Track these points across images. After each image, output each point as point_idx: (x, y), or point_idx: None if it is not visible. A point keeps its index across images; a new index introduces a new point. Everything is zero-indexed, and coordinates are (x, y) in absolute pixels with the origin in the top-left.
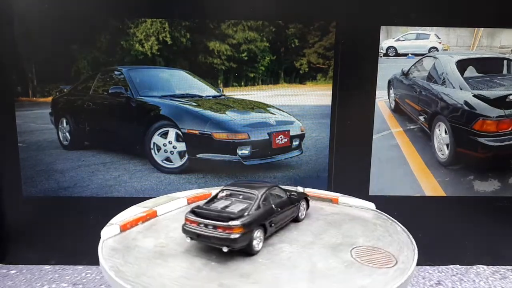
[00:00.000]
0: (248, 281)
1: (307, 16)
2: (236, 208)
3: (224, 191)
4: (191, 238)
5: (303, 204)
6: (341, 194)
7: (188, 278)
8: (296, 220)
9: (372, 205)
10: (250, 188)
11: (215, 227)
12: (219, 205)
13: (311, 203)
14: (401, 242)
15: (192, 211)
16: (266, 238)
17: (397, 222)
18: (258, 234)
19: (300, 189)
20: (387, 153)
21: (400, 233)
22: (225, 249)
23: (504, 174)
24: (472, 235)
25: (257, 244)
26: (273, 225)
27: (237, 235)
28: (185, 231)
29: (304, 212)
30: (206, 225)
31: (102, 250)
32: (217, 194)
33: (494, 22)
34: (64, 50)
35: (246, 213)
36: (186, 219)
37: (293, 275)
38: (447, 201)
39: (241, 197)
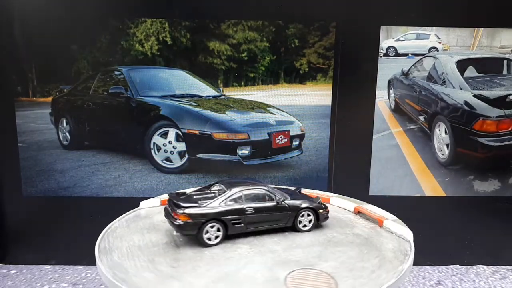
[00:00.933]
0: (173, 263)
1: (307, 16)
2: (201, 200)
3: (216, 185)
4: (165, 216)
5: (306, 214)
6: (391, 217)
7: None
8: (297, 229)
9: (410, 235)
10: (229, 185)
11: (172, 212)
12: (196, 195)
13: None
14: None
15: (174, 195)
16: (243, 235)
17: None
18: (212, 228)
19: (329, 196)
20: (387, 153)
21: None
22: (174, 233)
23: (504, 174)
24: (472, 235)
25: (210, 236)
26: (241, 224)
27: (181, 222)
28: (164, 210)
29: (310, 224)
30: (170, 209)
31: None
32: (209, 186)
33: (494, 22)
34: (64, 50)
35: (198, 205)
36: (167, 201)
37: (202, 274)
38: (447, 201)
39: (218, 192)
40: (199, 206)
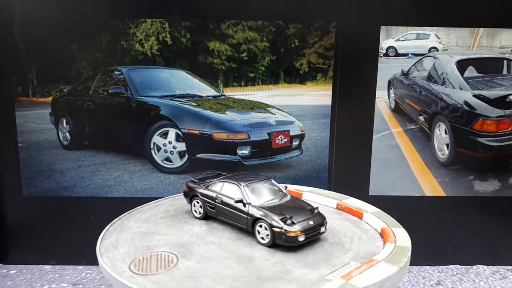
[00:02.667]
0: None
1: (307, 17)
2: (208, 180)
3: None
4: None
5: (264, 227)
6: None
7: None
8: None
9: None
10: (229, 176)
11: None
12: (215, 178)
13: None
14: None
15: (208, 175)
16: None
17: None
18: (195, 202)
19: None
20: (387, 153)
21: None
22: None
23: (504, 174)
24: (472, 235)
25: (193, 208)
26: (214, 210)
27: (183, 191)
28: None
29: (267, 239)
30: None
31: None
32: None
33: (494, 22)
34: (64, 50)
35: (198, 182)
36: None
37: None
38: (447, 201)
39: (218, 179)
40: (197, 184)
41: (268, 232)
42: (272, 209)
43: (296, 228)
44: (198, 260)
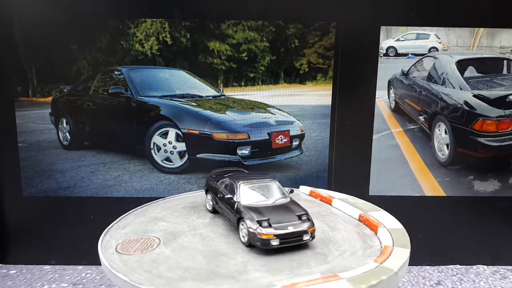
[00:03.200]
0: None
1: (307, 17)
2: (223, 176)
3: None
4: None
5: (247, 226)
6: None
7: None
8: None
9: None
10: (232, 173)
11: None
12: (227, 173)
13: None
14: None
15: (234, 172)
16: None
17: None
18: (208, 196)
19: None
20: (387, 153)
21: None
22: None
23: (504, 174)
24: (472, 235)
25: (206, 201)
26: (218, 202)
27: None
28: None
29: (246, 238)
30: None
31: None
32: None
33: (494, 22)
34: (64, 50)
35: (212, 178)
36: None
37: None
38: (447, 201)
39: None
40: (212, 179)
41: (246, 231)
42: (257, 209)
43: (270, 231)
44: (173, 249)
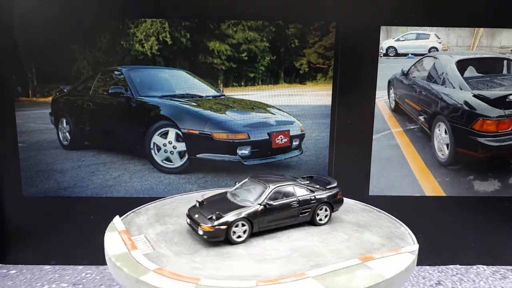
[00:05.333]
0: None
1: (307, 17)
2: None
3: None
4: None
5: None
6: None
7: None
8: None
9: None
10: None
11: None
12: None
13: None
14: None
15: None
16: None
17: None
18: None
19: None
20: (387, 153)
21: None
22: None
23: (504, 174)
24: (472, 235)
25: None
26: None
27: None
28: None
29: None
30: None
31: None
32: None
33: (494, 22)
34: (64, 50)
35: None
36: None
37: None
38: (447, 201)
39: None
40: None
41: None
42: (212, 201)
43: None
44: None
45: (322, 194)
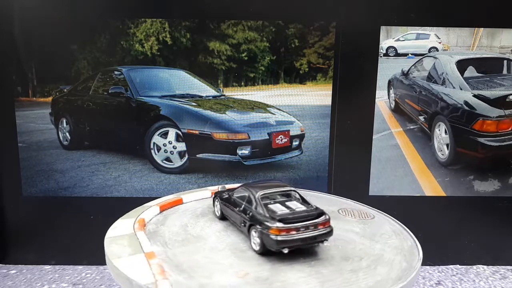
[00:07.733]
0: None
1: (307, 17)
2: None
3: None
4: (290, 247)
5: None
6: None
7: None
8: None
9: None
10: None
11: (315, 225)
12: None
13: None
14: None
15: (280, 220)
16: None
17: None
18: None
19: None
20: (387, 153)
21: None
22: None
23: (504, 174)
24: (472, 235)
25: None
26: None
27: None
28: (282, 242)
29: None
30: (306, 227)
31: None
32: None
33: (494, 22)
34: (64, 50)
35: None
36: (280, 230)
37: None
38: (447, 201)
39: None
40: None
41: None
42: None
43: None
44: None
45: (267, 218)
